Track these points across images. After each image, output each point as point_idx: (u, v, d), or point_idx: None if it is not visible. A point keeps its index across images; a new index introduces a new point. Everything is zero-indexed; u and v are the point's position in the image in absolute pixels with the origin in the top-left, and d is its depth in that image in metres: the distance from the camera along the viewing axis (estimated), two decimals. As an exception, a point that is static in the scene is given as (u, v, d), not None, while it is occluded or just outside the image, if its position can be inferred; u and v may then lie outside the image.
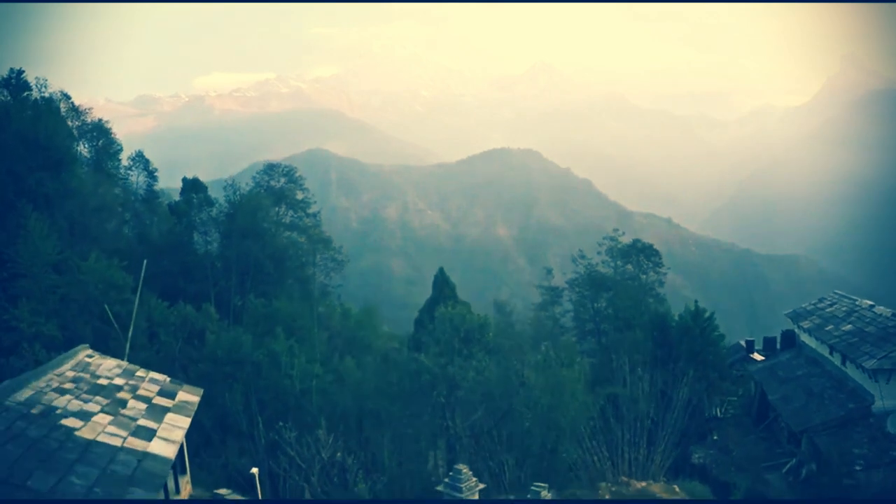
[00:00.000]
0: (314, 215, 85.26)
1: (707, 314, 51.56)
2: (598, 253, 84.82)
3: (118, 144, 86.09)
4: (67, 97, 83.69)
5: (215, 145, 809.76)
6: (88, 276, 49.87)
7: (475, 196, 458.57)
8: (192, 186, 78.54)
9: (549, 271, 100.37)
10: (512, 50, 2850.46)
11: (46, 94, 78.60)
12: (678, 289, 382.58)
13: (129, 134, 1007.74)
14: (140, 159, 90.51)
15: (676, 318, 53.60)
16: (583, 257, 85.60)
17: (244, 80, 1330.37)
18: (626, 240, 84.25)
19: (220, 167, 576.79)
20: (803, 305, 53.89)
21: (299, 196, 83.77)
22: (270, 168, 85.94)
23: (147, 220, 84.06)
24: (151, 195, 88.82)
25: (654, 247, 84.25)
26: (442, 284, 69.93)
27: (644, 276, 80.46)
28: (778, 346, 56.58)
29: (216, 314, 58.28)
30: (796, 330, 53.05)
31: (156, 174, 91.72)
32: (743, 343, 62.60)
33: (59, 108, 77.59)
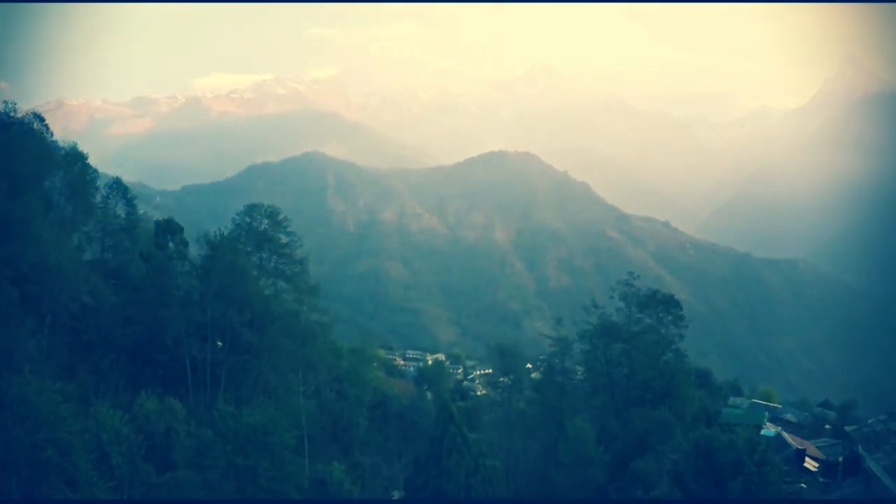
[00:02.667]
0: (301, 261, 77.61)
1: (762, 446, 40.31)
2: (611, 297, 78.54)
3: (94, 171, 79.68)
4: (41, 119, 78.36)
5: (212, 147, 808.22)
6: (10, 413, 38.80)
7: (473, 199, 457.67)
8: (166, 228, 69.84)
9: (559, 321, 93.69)
10: (510, 51, 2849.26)
11: (16, 117, 73.39)
12: (676, 293, 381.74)
13: (125, 135, 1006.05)
14: (117, 187, 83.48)
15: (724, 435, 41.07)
16: (595, 306, 78.39)
17: (241, 82, 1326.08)
18: (637, 277, 78.50)
19: (216, 170, 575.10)
20: (869, 423, 39.93)
21: (283, 240, 76.32)
22: (252, 209, 78.05)
23: (127, 250, 76.99)
24: (131, 224, 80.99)
25: (676, 298, 78.42)
26: (447, 422, 58.64)
27: (664, 330, 74.13)
28: (839, 472, 44.85)
29: (183, 410, 51.57)
30: (861, 452, 41.92)
31: (134, 202, 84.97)
32: (793, 444, 51.55)
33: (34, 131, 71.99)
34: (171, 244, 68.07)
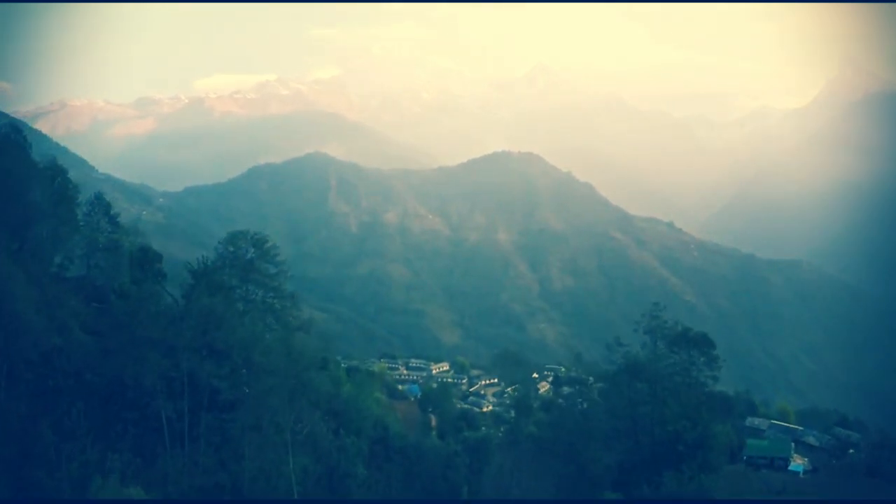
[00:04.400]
0: (291, 295, 71.14)
1: None
2: (635, 330, 72.45)
3: (74, 187, 74.88)
4: (18, 130, 74.07)
5: (215, 148, 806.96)
6: None
7: (475, 200, 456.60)
8: (143, 259, 62.95)
9: (579, 356, 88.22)
10: (511, 51, 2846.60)
11: None
12: (680, 294, 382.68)
13: (128, 136, 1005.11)
14: (99, 203, 76.53)
15: None
16: (619, 345, 72.42)
17: (244, 82, 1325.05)
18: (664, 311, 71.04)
19: (219, 170, 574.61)
20: None
21: (271, 271, 69.84)
22: (236, 237, 70.72)
23: (107, 271, 71.15)
24: (113, 243, 74.21)
25: (709, 337, 70.79)
26: None
27: (696, 372, 67.87)
28: None
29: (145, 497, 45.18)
30: None
31: (118, 219, 78.56)
32: None
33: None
34: (151, 274, 61.87)
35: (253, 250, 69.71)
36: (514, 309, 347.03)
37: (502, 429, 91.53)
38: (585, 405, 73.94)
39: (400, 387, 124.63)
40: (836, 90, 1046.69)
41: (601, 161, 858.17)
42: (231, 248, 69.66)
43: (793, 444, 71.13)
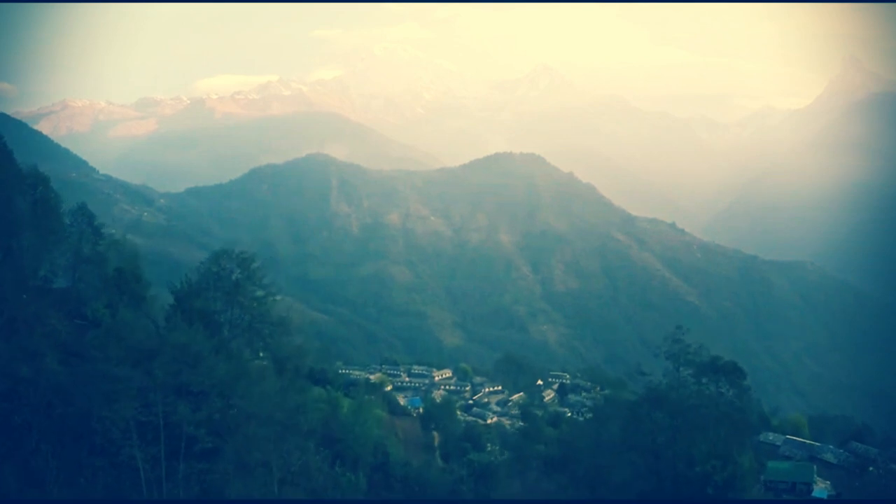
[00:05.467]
0: (280, 322, 64.77)
1: None
2: (656, 355, 67.39)
3: (56, 196, 71.50)
4: None
5: (216, 148, 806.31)
6: None
7: (478, 202, 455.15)
8: (120, 280, 56.74)
9: (594, 369, 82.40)
10: (513, 53, 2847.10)
11: None
12: (682, 295, 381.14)
13: (129, 137, 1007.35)
14: (82, 213, 71.93)
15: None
16: (641, 374, 68.92)
17: (246, 83, 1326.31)
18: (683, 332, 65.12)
19: (220, 171, 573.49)
20: None
21: (258, 293, 64.27)
22: (220, 256, 65.14)
23: (94, 283, 67.11)
24: (97, 256, 69.82)
25: (739, 366, 66.05)
26: None
27: (725, 406, 62.59)
28: None
29: None
30: None
31: (102, 230, 74.60)
32: None
33: None
34: (129, 297, 56.52)
35: (239, 271, 63.66)
36: (516, 310, 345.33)
37: (507, 453, 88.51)
38: (600, 433, 66.71)
39: (401, 398, 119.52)
40: (839, 90, 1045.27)
41: (603, 162, 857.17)
42: (215, 269, 63.82)
43: (815, 467, 67.61)
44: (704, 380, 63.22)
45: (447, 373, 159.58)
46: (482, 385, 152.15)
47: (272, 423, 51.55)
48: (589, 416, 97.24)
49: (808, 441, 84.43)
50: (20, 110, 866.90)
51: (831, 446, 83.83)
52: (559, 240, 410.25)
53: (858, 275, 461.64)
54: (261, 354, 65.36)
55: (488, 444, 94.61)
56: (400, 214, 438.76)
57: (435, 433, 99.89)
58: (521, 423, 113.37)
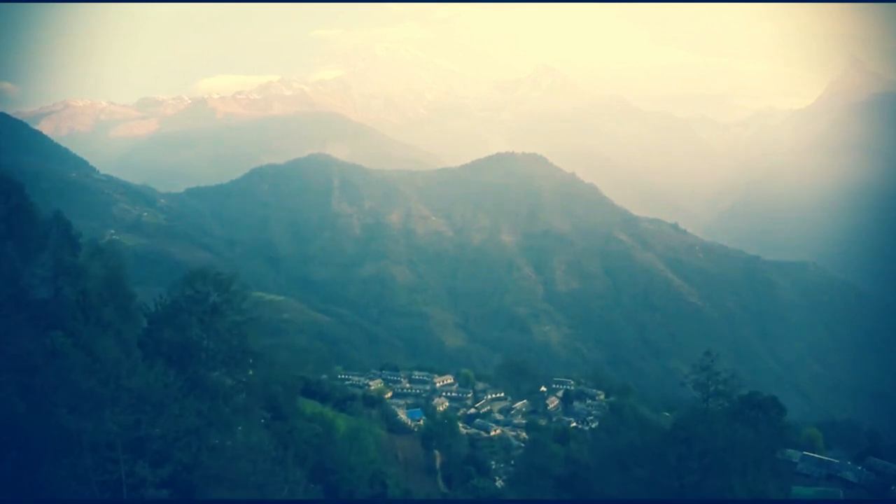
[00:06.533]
0: (262, 354, 58.56)
1: None
2: (682, 384, 62.77)
3: (30, 204, 66.74)
4: None
5: (217, 148, 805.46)
6: None
7: (480, 202, 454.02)
8: (85, 304, 50.01)
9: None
10: (514, 53, 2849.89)
11: None
12: (685, 296, 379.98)
13: (131, 137, 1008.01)
14: (57, 222, 66.76)
15: None
16: (669, 409, 65.13)
17: (247, 83, 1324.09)
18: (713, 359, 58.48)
19: (221, 171, 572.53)
20: None
21: (238, 319, 57.38)
22: (195, 277, 57.85)
23: (75, 295, 59.42)
24: (74, 268, 64.40)
25: (778, 401, 61.69)
26: None
27: (762, 446, 56.95)
28: None
29: None
30: None
31: (79, 240, 68.83)
32: None
33: None
34: (94, 324, 49.93)
35: (216, 294, 56.29)
36: (518, 311, 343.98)
37: (511, 472, 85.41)
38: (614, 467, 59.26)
39: (401, 412, 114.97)
40: (840, 91, 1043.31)
41: (605, 162, 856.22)
42: (189, 292, 56.24)
43: (841, 493, 63.02)
44: (738, 415, 57.62)
45: (448, 379, 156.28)
46: (484, 392, 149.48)
47: (247, 489, 43.58)
48: (595, 426, 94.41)
49: (826, 458, 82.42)
50: (21, 110, 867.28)
51: (849, 462, 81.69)
52: (561, 240, 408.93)
53: (860, 275, 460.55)
54: (243, 387, 57.44)
55: (493, 463, 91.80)
56: (401, 215, 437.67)
57: (437, 454, 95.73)
58: (526, 436, 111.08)
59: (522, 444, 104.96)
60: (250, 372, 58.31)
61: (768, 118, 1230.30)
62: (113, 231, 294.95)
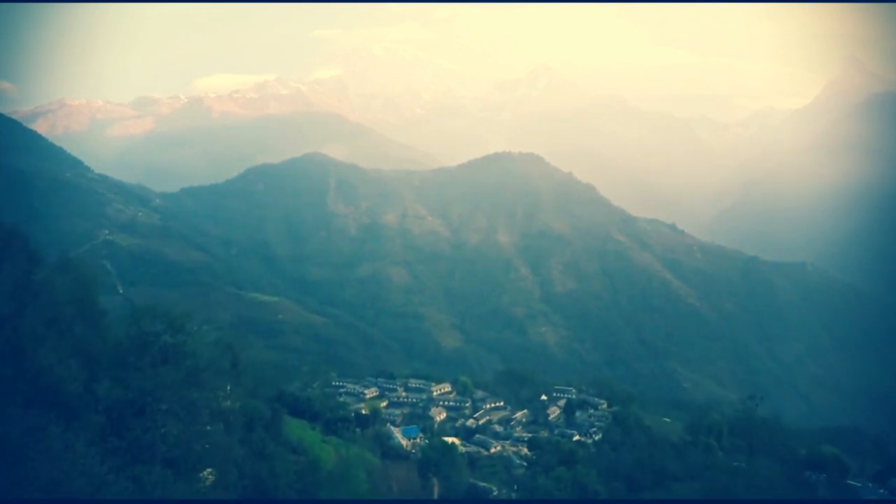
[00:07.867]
0: (222, 414, 50.69)
1: None
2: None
3: None
4: None
5: (213, 148, 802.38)
6: None
7: (476, 202, 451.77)
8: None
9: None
10: (512, 53, 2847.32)
11: None
12: (683, 296, 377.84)
13: (127, 136, 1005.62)
14: (13, 235, 57.23)
15: None
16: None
17: (244, 82, 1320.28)
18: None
19: (217, 170, 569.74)
20: None
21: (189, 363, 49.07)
22: (142, 314, 50.09)
23: (39, 310, 51.22)
24: (34, 286, 54.43)
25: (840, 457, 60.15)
26: None
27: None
28: None
29: None
30: None
31: (38, 255, 58.86)
32: None
33: None
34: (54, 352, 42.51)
35: (168, 335, 48.02)
36: (515, 312, 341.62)
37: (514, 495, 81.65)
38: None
39: (396, 431, 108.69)
40: (839, 91, 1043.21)
41: (603, 162, 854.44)
42: (135, 332, 48.27)
43: None
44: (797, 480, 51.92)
45: (446, 387, 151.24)
46: (483, 400, 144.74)
47: None
48: (598, 437, 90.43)
49: (850, 482, 79.62)
50: (18, 109, 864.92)
51: (871, 484, 78.63)
52: (558, 240, 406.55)
53: (860, 276, 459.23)
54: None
55: (494, 490, 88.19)
56: (397, 215, 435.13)
57: (434, 482, 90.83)
58: (528, 452, 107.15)
59: (524, 463, 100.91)
60: (227, 403, 50.76)
61: (768, 118, 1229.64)
62: (107, 231, 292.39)
